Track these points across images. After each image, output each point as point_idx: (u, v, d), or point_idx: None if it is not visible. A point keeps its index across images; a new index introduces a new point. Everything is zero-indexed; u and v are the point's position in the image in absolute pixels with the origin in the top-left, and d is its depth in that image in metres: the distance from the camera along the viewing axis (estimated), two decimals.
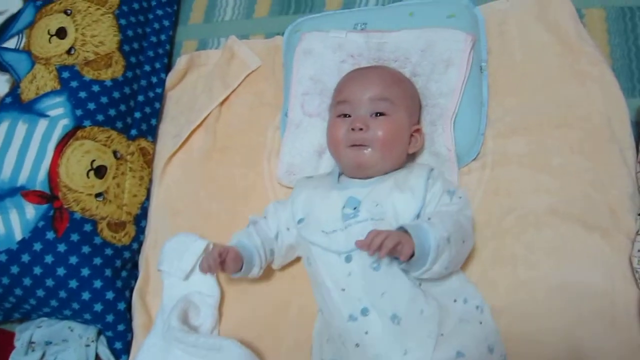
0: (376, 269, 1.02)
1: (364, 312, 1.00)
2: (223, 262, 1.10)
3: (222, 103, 1.47)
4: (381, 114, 1.12)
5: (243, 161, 1.40)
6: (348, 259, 1.04)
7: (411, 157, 1.23)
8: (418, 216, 1.06)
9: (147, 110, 1.47)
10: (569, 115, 1.21)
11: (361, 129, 1.10)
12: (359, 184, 1.12)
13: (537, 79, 1.26)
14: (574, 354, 1.04)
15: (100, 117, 1.33)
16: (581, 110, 1.21)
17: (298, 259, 1.23)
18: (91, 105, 1.32)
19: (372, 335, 0.99)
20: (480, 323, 1.05)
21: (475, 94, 1.25)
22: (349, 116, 1.14)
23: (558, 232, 1.12)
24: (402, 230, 0.98)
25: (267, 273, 1.25)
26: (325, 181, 1.19)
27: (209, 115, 1.46)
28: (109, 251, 1.27)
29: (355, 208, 1.08)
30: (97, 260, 1.24)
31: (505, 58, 1.30)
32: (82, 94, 1.32)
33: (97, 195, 1.29)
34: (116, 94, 1.38)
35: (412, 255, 0.95)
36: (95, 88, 1.34)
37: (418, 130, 1.18)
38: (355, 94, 1.15)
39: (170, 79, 1.55)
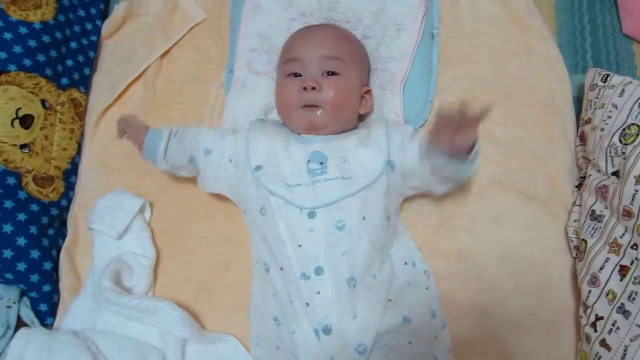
0: (340, 228, 1.00)
1: (318, 271, 0.98)
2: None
3: (162, 56, 1.38)
4: (333, 73, 1.09)
5: (183, 119, 1.33)
6: (311, 215, 1.00)
7: (361, 119, 1.20)
8: (389, 164, 1.04)
9: (80, 58, 1.36)
10: (515, 89, 1.23)
11: (314, 88, 1.06)
12: (320, 138, 1.08)
13: (486, 51, 1.27)
14: (509, 320, 1.08)
15: (27, 62, 1.22)
16: (527, 85, 1.23)
17: (237, 222, 1.19)
18: (17, 49, 1.20)
19: (323, 296, 0.98)
20: (427, 288, 1.06)
21: (425, 60, 1.24)
22: (299, 75, 1.10)
23: (500, 202, 1.15)
24: None
25: (205, 234, 1.22)
26: (282, 130, 1.12)
27: (147, 68, 1.37)
28: (34, 207, 1.18)
29: (321, 163, 1.04)
30: (21, 216, 1.15)
31: (455, 27, 1.30)
32: (7, 35, 1.20)
33: (23, 146, 1.19)
34: (46, 38, 1.27)
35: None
36: (23, 30, 1.23)
37: (368, 92, 1.16)
38: (306, 52, 1.10)
39: (107, 27, 1.43)
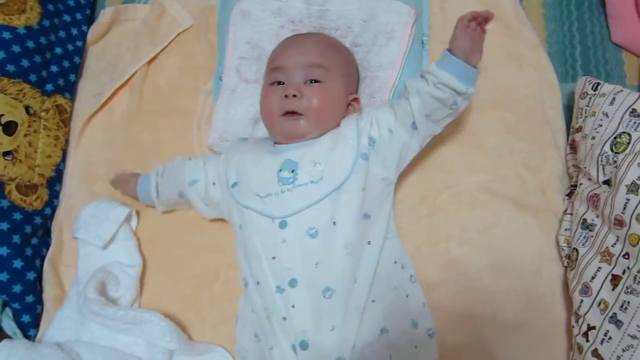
0: (313, 236, 0.98)
1: (292, 283, 0.97)
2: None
3: (149, 63, 1.37)
4: (315, 81, 1.08)
5: (170, 126, 1.31)
6: (283, 225, 0.99)
7: None
8: (361, 156, 1.02)
9: (66, 64, 1.34)
10: (505, 98, 1.23)
11: (295, 96, 1.05)
12: (293, 146, 1.07)
13: None
14: (500, 329, 1.07)
15: (10, 68, 1.20)
16: (517, 93, 1.23)
17: (229, 230, 1.17)
18: (0, 54, 1.18)
19: (298, 309, 0.96)
20: (407, 296, 1.04)
21: (415, 68, 1.23)
22: (283, 84, 1.09)
23: (491, 210, 1.14)
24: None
25: (193, 243, 1.20)
26: (260, 145, 1.13)
27: (134, 74, 1.35)
28: (17, 215, 1.16)
29: (292, 171, 1.03)
30: (4, 225, 1.13)
31: (445, 35, 1.27)
32: None
33: (6, 153, 1.17)
34: (30, 44, 1.25)
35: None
36: (6, 35, 1.21)
37: (356, 100, 1.15)
38: (289, 60, 1.09)
39: (93, 32, 1.42)
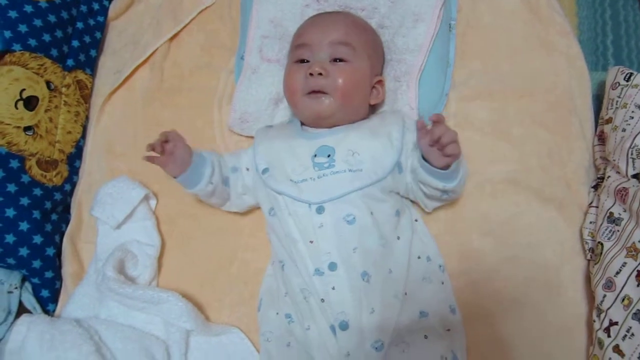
0: (350, 222, 0.97)
1: (332, 267, 0.96)
2: (169, 152, 1.01)
3: (171, 39, 1.35)
4: (341, 59, 1.06)
5: (191, 105, 1.30)
6: (320, 210, 0.98)
7: (372, 110, 1.17)
8: (397, 165, 1.02)
9: (87, 39, 1.33)
10: (533, 86, 1.20)
11: (320, 74, 1.03)
12: (328, 132, 1.06)
13: (505, 45, 1.23)
14: (520, 322, 1.06)
15: (32, 42, 1.19)
16: (545, 82, 1.20)
17: (246, 213, 1.17)
18: (22, 28, 1.17)
19: (339, 291, 0.96)
20: (442, 283, 1.05)
21: (442, 53, 1.21)
22: (307, 61, 1.07)
23: (514, 202, 1.13)
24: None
25: (211, 225, 1.20)
26: (287, 129, 1.12)
27: (155, 51, 1.34)
28: (37, 191, 1.16)
29: (329, 156, 1.01)
30: (24, 201, 1.13)
31: (474, 19, 1.26)
32: (13, 14, 1.17)
33: (27, 129, 1.17)
34: (52, 18, 1.23)
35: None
36: (28, 9, 1.19)
37: (380, 82, 1.13)
38: (315, 37, 1.07)
39: (114, 7, 1.40)
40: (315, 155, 1.02)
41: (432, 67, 1.19)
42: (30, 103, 1.18)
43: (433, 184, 0.98)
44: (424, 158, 0.97)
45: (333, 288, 0.96)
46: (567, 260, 1.09)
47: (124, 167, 1.26)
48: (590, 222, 1.08)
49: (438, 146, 0.93)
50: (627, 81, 1.06)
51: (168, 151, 1.02)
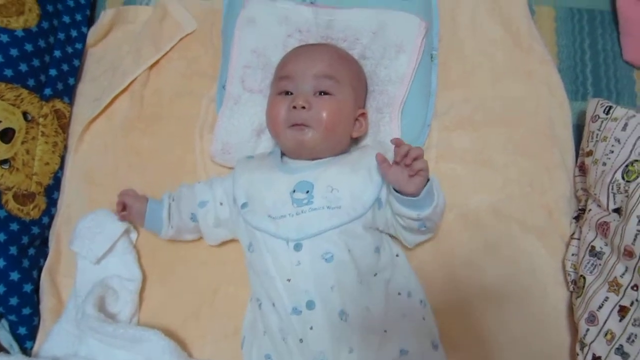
0: (328, 260, 0.96)
1: (310, 305, 0.95)
2: (129, 207, 1.12)
3: (150, 67, 1.33)
4: (325, 92, 1.05)
5: (172, 134, 1.28)
6: (298, 247, 0.97)
7: (354, 143, 1.17)
8: (377, 200, 1.02)
9: (65, 67, 1.31)
10: (514, 114, 1.21)
11: (303, 107, 1.02)
12: (307, 165, 1.05)
13: (486, 74, 1.24)
14: (505, 351, 1.06)
15: (8, 73, 1.16)
16: (526, 110, 1.21)
17: (229, 244, 1.15)
18: None
19: (317, 330, 0.95)
20: (423, 319, 1.03)
21: (424, 83, 1.21)
22: (291, 94, 1.07)
23: (496, 231, 1.13)
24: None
25: (194, 256, 1.18)
26: (267, 161, 1.10)
27: (135, 79, 1.32)
28: (14, 226, 1.13)
29: (307, 192, 1.01)
30: (0, 237, 1.10)
31: (455, 47, 1.27)
32: None
33: (2, 162, 1.14)
34: (29, 47, 1.21)
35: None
36: (4, 38, 1.17)
37: (363, 115, 1.13)
38: (299, 69, 1.07)
39: (93, 34, 1.38)
40: (294, 191, 1.01)
41: (414, 98, 1.19)
42: (6, 135, 1.15)
43: (407, 213, 0.97)
44: (395, 189, 0.96)
45: (311, 328, 0.95)
46: (550, 290, 1.10)
47: (103, 198, 1.23)
48: (573, 255, 1.09)
49: (407, 161, 0.92)
50: (607, 114, 1.07)
51: (127, 207, 1.13)
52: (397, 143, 0.94)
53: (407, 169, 0.93)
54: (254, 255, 1.03)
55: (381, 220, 1.04)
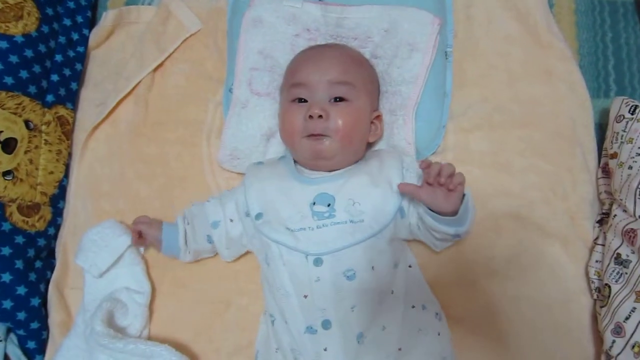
0: (350, 278, 0.92)
1: (326, 325, 0.92)
2: (144, 235, 1.10)
3: (155, 70, 1.29)
4: (341, 99, 1.01)
5: (178, 139, 1.24)
6: (317, 262, 0.93)
7: (369, 146, 1.13)
8: (400, 210, 0.98)
9: (67, 72, 1.27)
10: (534, 115, 1.16)
11: (320, 116, 0.98)
12: (326, 177, 1.01)
13: (503, 72, 1.19)
14: None
15: (8, 80, 1.12)
16: (546, 110, 1.16)
17: (242, 255, 1.12)
18: None
19: (331, 352, 0.91)
20: (439, 334, 1.00)
21: (438, 83, 1.16)
22: (305, 101, 1.02)
23: (517, 238, 1.09)
24: None
25: (205, 267, 1.14)
26: (280, 168, 1.06)
27: (139, 83, 1.27)
28: (19, 239, 1.10)
29: (329, 205, 0.96)
30: (6, 251, 1.07)
31: (470, 46, 1.22)
32: None
33: (6, 173, 1.11)
34: (29, 53, 1.17)
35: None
36: (3, 45, 1.13)
37: (378, 117, 1.08)
38: (313, 76, 1.02)
39: (95, 36, 1.33)
40: (314, 203, 0.97)
41: (428, 99, 1.14)
42: (8, 146, 1.12)
43: (444, 230, 0.94)
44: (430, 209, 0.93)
45: (325, 349, 0.91)
46: (573, 299, 1.06)
47: (110, 207, 1.21)
48: (597, 261, 1.04)
49: (441, 180, 0.89)
50: (632, 114, 1.02)
51: (143, 235, 1.09)
52: (425, 165, 0.90)
53: (441, 188, 0.90)
54: (269, 268, 0.99)
55: (404, 230, 1.01)
